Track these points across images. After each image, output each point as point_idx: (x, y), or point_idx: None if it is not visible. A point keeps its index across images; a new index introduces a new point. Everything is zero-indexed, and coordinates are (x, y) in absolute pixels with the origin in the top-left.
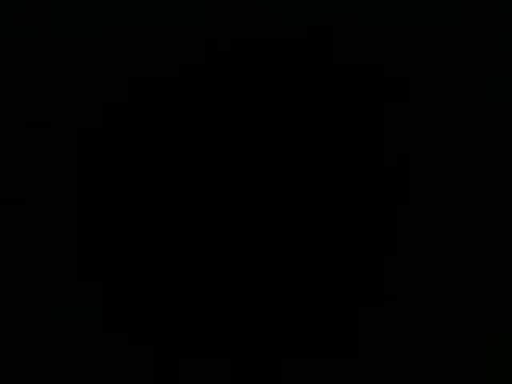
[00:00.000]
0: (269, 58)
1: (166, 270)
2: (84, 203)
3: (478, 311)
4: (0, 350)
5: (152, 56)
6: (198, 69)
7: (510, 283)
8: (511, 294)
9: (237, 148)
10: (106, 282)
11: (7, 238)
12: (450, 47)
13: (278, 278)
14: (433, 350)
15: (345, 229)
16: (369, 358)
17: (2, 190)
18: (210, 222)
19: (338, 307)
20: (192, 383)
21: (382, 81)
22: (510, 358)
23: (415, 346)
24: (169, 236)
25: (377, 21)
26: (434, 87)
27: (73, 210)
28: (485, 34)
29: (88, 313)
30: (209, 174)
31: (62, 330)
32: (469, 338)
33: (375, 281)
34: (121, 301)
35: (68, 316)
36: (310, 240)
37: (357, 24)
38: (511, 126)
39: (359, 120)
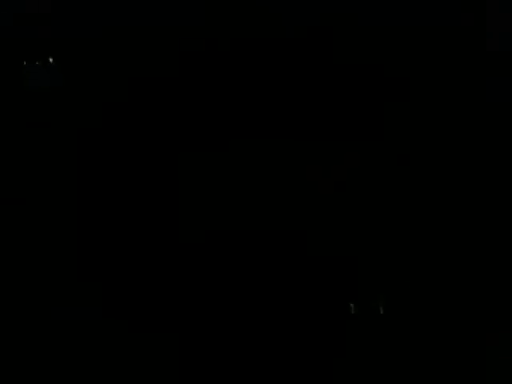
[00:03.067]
0: (269, 58)
1: (167, 270)
2: (84, 203)
3: (478, 311)
4: (0, 350)
5: (152, 56)
6: (198, 69)
7: (510, 283)
8: (511, 294)
9: (237, 147)
10: (106, 281)
11: (7, 237)
12: (450, 47)
13: (278, 277)
14: (432, 350)
15: (344, 229)
16: (368, 358)
17: (2, 190)
18: (210, 222)
19: (338, 307)
20: (192, 383)
21: (381, 81)
22: (510, 358)
23: (415, 345)
24: (169, 236)
25: (377, 21)
26: (434, 87)
27: (73, 209)
28: (485, 34)
29: (88, 313)
30: (209, 174)
31: (62, 330)
32: (469, 338)
33: (375, 280)
34: (121, 301)
35: (68, 316)
36: (310, 239)
37: (357, 24)
38: (511, 126)
39: (359, 120)
